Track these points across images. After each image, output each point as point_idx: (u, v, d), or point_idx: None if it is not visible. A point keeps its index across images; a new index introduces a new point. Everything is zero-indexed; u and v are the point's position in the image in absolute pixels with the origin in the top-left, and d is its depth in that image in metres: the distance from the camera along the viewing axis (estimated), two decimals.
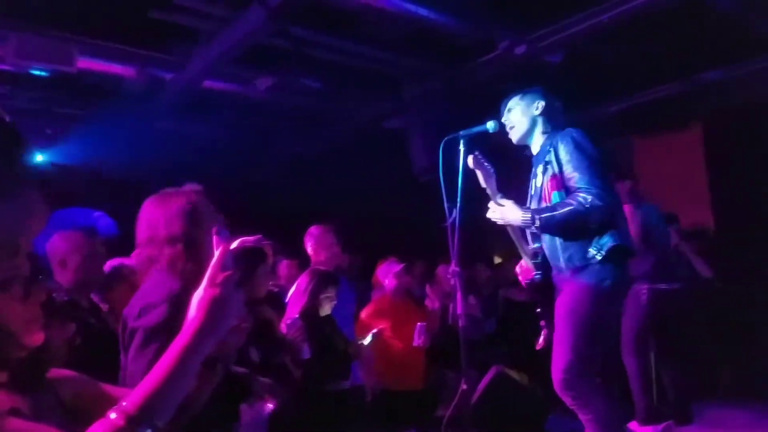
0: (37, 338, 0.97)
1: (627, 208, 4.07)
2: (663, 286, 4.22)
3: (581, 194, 2.50)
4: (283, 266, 4.60)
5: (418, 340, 4.13)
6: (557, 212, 2.55)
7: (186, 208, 1.70)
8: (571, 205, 2.51)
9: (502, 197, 2.76)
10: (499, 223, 2.77)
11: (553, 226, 2.62)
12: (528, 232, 2.94)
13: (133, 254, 2.61)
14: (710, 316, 5.02)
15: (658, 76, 5.63)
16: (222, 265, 1.06)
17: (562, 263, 2.67)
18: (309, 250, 3.84)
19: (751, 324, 5.04)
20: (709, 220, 5.69)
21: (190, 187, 1.87)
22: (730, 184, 5.64)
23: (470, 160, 2.75)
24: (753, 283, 5.10)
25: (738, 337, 5.07)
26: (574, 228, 2.58)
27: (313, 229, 3.89)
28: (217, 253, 1.06)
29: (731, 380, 5.07)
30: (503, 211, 2.72)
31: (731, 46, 4.84)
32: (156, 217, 1.71)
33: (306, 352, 2.97)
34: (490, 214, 2.78)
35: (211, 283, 1.04)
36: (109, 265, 2.97)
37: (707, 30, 4.43)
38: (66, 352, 1.94)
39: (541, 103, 2.83)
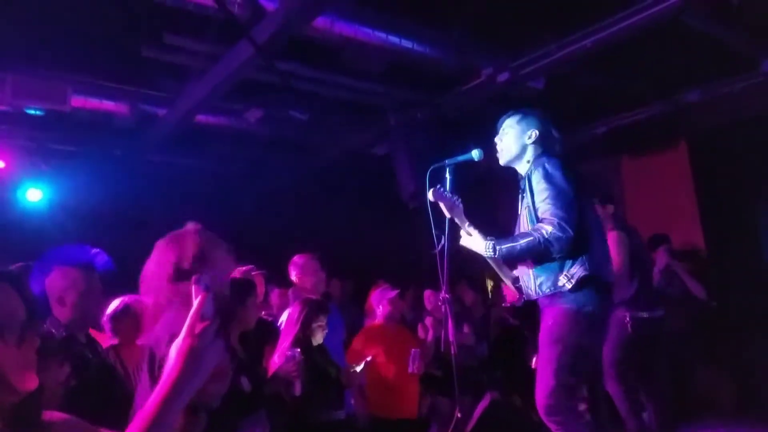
0: (30, 383, 0.99)
1: (612, 234, 4.10)
2: (645, 314, 4.15)
3: (544, 225, 2.53)
4: (275, 295, 4.61)
5: (412, 367, 4.10)
6: (517, 243, 2.60)
7: (194, 248, 1.77)
8: (531, 236, 2.55)
9: (470, 226, 2.82)
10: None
11: (514, 257, 2.69)
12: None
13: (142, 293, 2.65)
14: (706, 335, 5.02)
15: (641, 97, 5.73)
16: (201, 315, 1.07)
17: (532, 291, 2.71)
18: (294, 278, 3.88)
19: (747, 342, 5.04)
20: (700, 239, 5.72)
21: (192, 226, 1.93)
22: (718, 202, 5.69)
23: (430, 194, 2.82)
24: (747, 300, 5.12)
25: (735, 355, 5.07)
26: (536, 258, 2.63)
27: (297, 258, 3.94)
28: (196, 302, 1.08)
29: (729, 399, 5.05)
30: (470, 241, 2.78)
31: (711, 65, 4.94)
32: (167, 258, 1.77)
33: (297, 389, 2.98)
34: (462, 242, 2.83)
35: (190, 332, 1.06)
36: (122, 301, 3.06)
37: (687, 50, 4.52)
38: (61, 394, 1.96)
39: (535, 133, 2.83)
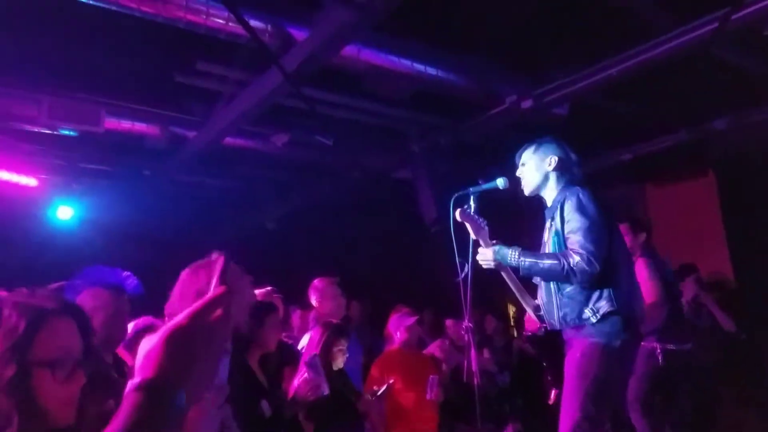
0: (67, 418, 1.01)
1: (642, 260, 4.05)
2: (671, 346, 4.07)
3: (573, 254, 2.53)
4: (296, 316, 4.64)
5: (430, 394, 4.07)
6: (541, 261, 2.62)
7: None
8: (557, 259, 2.56)
9: (495, 244, 2.83)
10: (488, 266, 2.82)
11: (533, 273, 2.70)
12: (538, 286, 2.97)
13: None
14: (734, 369, 4.90)
15: (668, 125, 5.69)
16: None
17: (555, 321, 2.70)
18: (314, 302, 3.91)
19: None
20: (728, 269, 5.62)
21: (216, 255, 1.98)
22: (746, 231, 5.59)
23: (457, 214, 2.83)
24: None
25: (762, 390, 4.93)
26: (553, 281, 2.64)
27: (317, 282, 3.97)
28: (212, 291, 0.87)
29: None
30: (493, 252, 2.77)
31: (739, 93, 4.91)
32: (191, 289, 1.81)
33: (325, 389, 2.92)
34: (479, 257, 2.83)
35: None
36: (141, 322, 3.09)
37: (715, 78, 4.50)
38: (99, 427, 2.00)
39: (554, 159, 2.84)
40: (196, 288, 1.80)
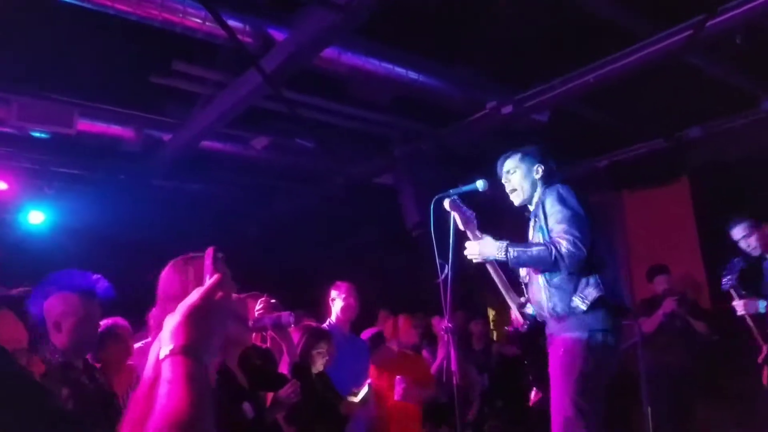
0: None
1: None
2: None
3: (560, 240, 2.58)
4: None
5: (397, 395, 4.08)
6: (529, 249, 2.67)
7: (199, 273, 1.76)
8: (544, 246, 2.61)
9: (483, 235, 2.85)
10: (476, 260, 2.82)
11: (522, 263, 2.74)
12: (522, 282, 2.98)
13: (151, 314, 2.63)
14: (707, 369, 4.97)
15: (643, 133, 5.79)
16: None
17: (546, 312, 2.72)
18: (340, 300, 4.00)
19: (748, 376, 4.98)
20: (701, 273, 5.71)
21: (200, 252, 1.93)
22: (720, 237, 5.69)
23: (446, 203, 2.83)
24: (748, 334, 5.07)
25: (737, 389, 5.01)
26: (542, 268, 2.67)
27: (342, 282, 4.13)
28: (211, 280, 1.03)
29: None
30: (480, 245, 2.79)
31: (713, 102, 5.02)
32: (173, 281, 1.76)
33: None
34: (467, 252, 2.83)
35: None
36: (103, 324, 2.98)
37: (689, 87, 4.59)
38: None
39: (541, 167, 2.91)
40: (184, 284, 1.74)
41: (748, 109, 5.20)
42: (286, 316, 2.73)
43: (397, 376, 4.15)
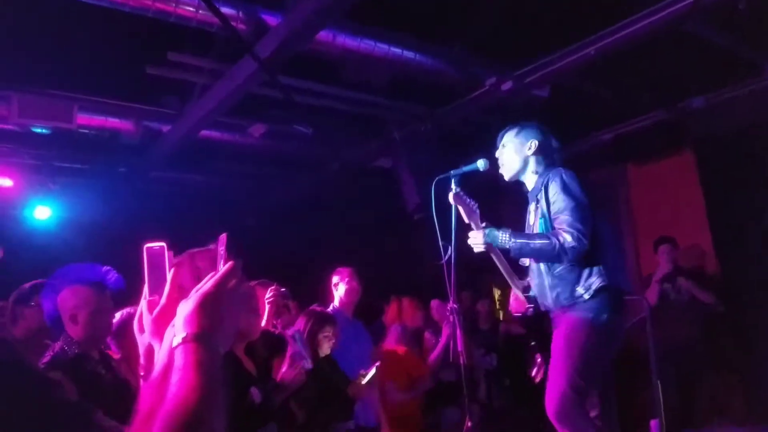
0: None
1: None
2: None
3: (563, 233, 2.58)
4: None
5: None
6: (532, 241, 2.66)
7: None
8: (548, 239, 2.60)
9: (485, 227, 2.83)
10: (478, 249, 2.81)
11: (524, 254, 2.74)
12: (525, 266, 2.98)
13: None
14: (714, 341, 4.97)
15: (646, 105, 5.73)
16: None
17: (549, 301, 2.73)
18: (344, 284, 4.04)
19: (755, 347, 4.98)
20: (708, 244, 5.68)
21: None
22: (726, 207, 5.66)
23: (450, 196, 2.82)
24: (755, 305, 5.07)
25: (744, 361, 5.01)
26: (544, 260, 2.68)
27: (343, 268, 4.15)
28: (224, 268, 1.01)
29: (739, 405, 4.99)
30: (483, 235, 2.77)
31: (715, 71, 4.94)
32: (189, 274, 1.76)
33: (307, 363, 2.92)
34: (470, 240, 2.82)
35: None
36: (123, 313, 3.04)
37: (691, 57, 4.52)
38: None
39: (535, 143, 2.87)
40: (196, 273, 1.74)
41: (751, 78, 5.12)
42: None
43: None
